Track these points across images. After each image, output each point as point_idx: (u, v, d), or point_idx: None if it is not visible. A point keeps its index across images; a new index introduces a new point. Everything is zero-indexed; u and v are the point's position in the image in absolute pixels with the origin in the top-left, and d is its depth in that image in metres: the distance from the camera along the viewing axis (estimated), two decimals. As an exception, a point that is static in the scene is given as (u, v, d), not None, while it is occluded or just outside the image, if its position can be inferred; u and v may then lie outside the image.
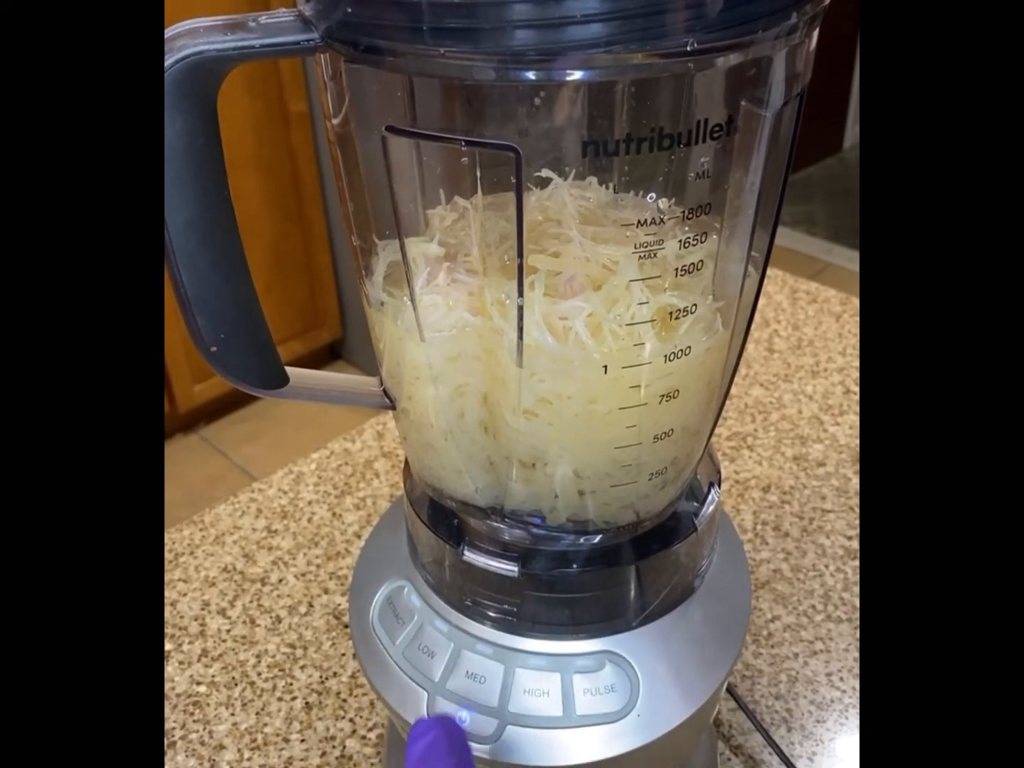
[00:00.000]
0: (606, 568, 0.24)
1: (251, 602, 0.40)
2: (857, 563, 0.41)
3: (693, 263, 0.19)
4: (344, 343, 1.46)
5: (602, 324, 0.20)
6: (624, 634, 0.24)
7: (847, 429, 0.48)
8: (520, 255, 0.18)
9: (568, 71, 0.16)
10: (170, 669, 0.37)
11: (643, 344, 0.20)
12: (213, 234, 0.20)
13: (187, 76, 0.18)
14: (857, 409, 0.50)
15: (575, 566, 0.24)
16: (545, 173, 0.19)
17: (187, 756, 0.34)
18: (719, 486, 0.26)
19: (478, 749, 0.23)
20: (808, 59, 0.19)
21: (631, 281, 0.19)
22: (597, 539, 0.24)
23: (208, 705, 0.36)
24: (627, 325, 0.19)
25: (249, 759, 0.34)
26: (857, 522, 0.43)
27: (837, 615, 0.38)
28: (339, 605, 0.40)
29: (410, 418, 0.24)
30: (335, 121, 0.20)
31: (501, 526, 0.24)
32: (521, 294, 0.19)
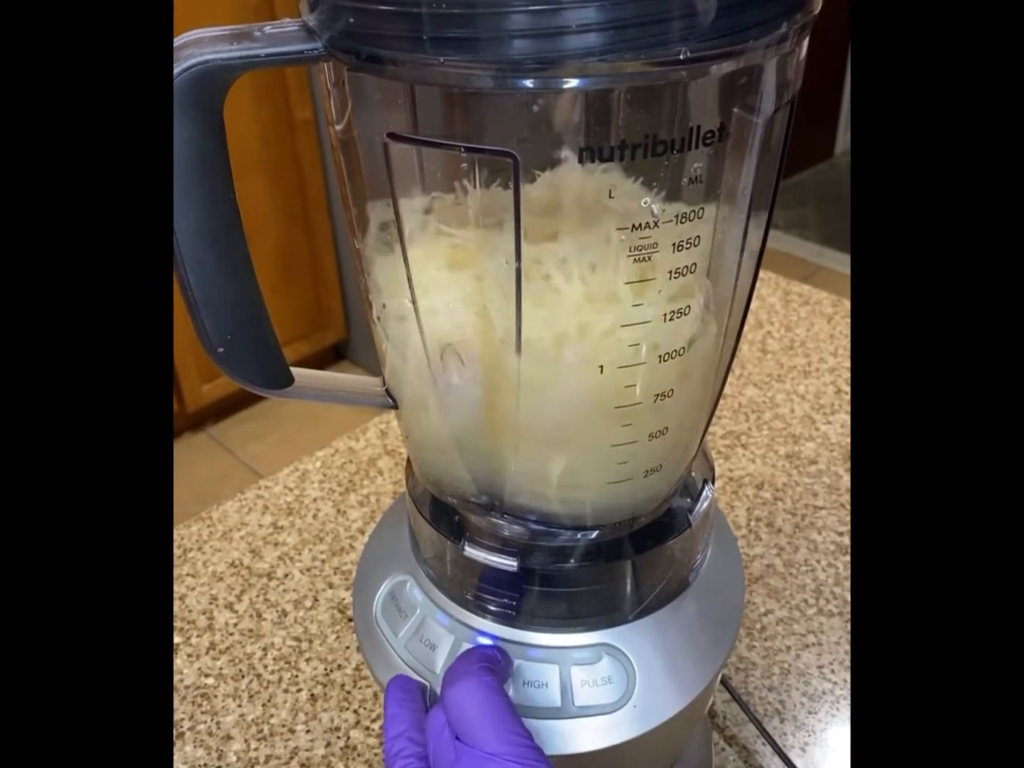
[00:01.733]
0: (603, 563, 0.24)
1: (258, 596, 0.41)
2: (848, 558, 0.41)
3: (687, 266, 0.20)
4: (348, 344, 1.46)
5: (598, 324, 0.20)
6: (621, 627, 0.25)
7: (838, 428, 0.49)
8: (518, 258, 0.19)
9: (565, 79, 0.17)
10: (179, 662, 0.38)
11: (638, 344, 0.20)
12: (220, 238, 0.21)
13: (194, 84, 0.18)
14: (848, 408, 0.50)
15: (572, 561, 0.24)
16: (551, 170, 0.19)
17: (195, 747, 0.35)
18: (713, 483, 0.26)
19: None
20: (799, 67, 0.19)
21: (626, 283, 0.20)
22: (594, 535, 0.24)
23: (216, 697, 0.36)
24: (623, 326, 0.20)
25: (256, 749, 0.35)
26: (848, 518, 0.43)
27: (829, 609, 0.39)
28: (343, 599, 0.40)
29: (412, 417, 0.24)
30: (338, 128, 0.20)
31: (500, 522, 0.25)
32: (519, 297, 0.19)
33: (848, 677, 0.36)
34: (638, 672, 0.24)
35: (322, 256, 1.35)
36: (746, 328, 0.24)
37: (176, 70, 0.18)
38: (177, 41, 0.18)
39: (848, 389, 0.51)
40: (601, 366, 0.20)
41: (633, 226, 0.19)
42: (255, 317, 0.22)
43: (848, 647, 0.37)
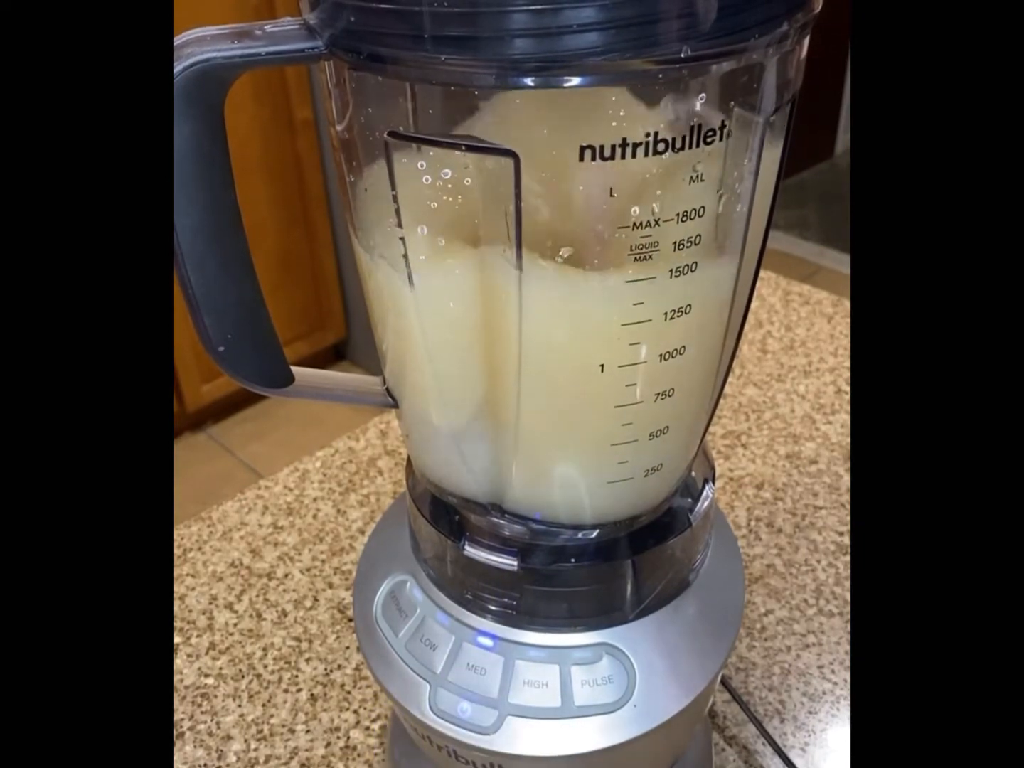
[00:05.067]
0: (603, 562, 0.24)
1: (258, 596, 0.41)
2: (848, 558, 0.41)
3: (687, 264, 0.20)
4: (348, 344, 1.47)
5: (599, 323, 0.20)
6: (621, 627, 0.25)
7: (839, 428, 0.49)
8: (519, 257, 0.19)
9: (565, 78, 0.17)
10: (179, 662, 0.38)
11: (639, 343, 0.20)
12: (221, 237, 0.21)
13: (195, 83, 0.18)
14: (848, 408, 0.50)
15: (573, 560, 0.24)
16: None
17: (195, 747, 0.35)
18: (713, 483, 0.27)
19: (478, 739, 0.24)
20: (799, 66, 0.19)
21: (627, 282, 0.20)
22: (594, 534, 0.24)
23: (216, 697, 0.36)
24: (623, 325, 0.20)
25: (256, 749, 0.35)
26: (848, 518, 0.43)
27: (829, 609, 0.39)
28: (343, 599, 0.40)
29: (412, 416, 0.24)
30: (339, 127, 0.20)
31: (501, 522, 0.25)
32: (519, 295, 0.19)
33: (848, 677, 0.36)
34: (638, 672, 0.24)
35: (322, 256, 1.35)
36: (746, 328, 0.25)
37: (176, 68, 0.18)
38: (178, 40, 0.18)
39: (848, 389, 0.51)
40: (602, 365, 0.20)
41: (634, 224, 0.19)
42: (256, 316, 0.22)
43: (848, 647, 0.37)
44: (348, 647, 0.38)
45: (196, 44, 0.18)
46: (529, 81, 0.17)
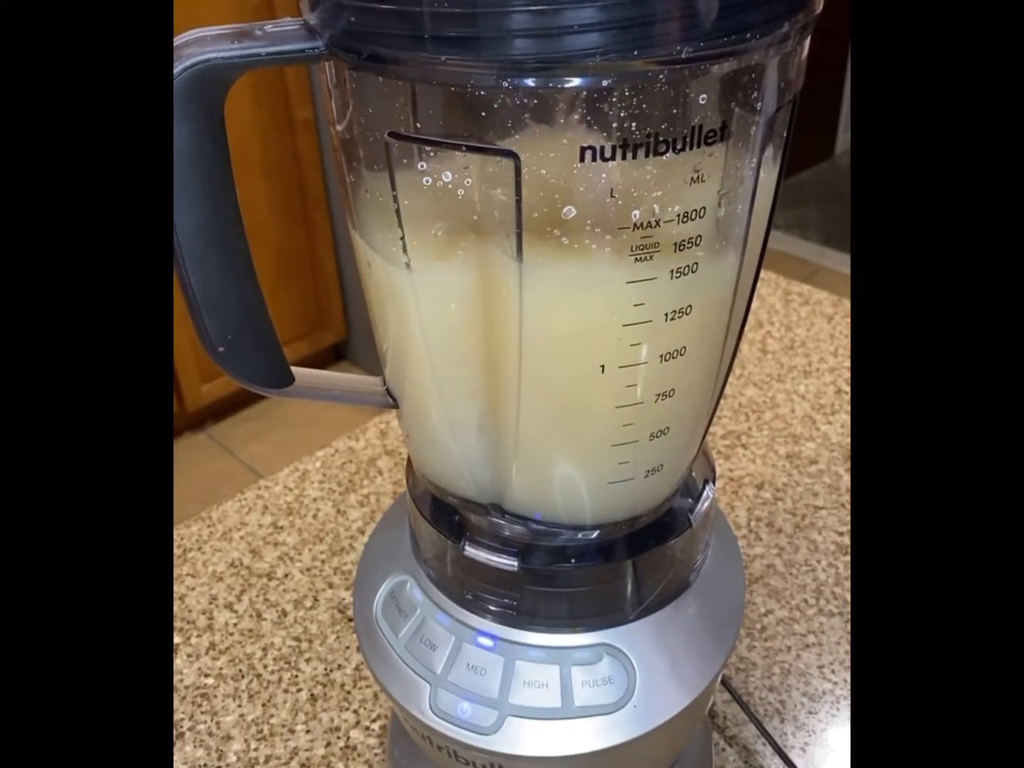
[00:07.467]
0: (603, 563, 0.25)
1: (258, 596, 0.41)
2: (848, 558, 0.41)
3: (688, 265, 0.20)
4: (348, 344, 1.47)
5: (600, 324, 0.20)
6: (621, 627, 0.25)
7: (839, 428, 0.49)
8: (520, 258, 0.19)
9: (566, 78, 0.17)
10: (179, 662, 0.38)
11: (640, 344, 0.20)
12: (221, 238, 0.21)
13: (195, 83, 0.18)
14: (848, 408, 0.50)
15: (573, 561, 0.24)
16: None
17: (195, 747, 0.35)
18: (714, 483, 0.27)
19: (478, 740, 0.24)
20: (800, 67, 0.19)
21: (627, 283, 0.20)
22: (594, 535, 0.24)
23: (216, 697, 0.36)
24: (624, 326, 0.20)
25: (256, 749, 0.35)
26: (848, 518, 0.43)
27: (829, 609, 0.39)
28: (343, 599, 0.40)
29: (412, 417, 0.24)
30: (339, 127, 0.20)
31: (501, 522, 0.25)
32: (520, 296, 0.19)
33: (848, 677, 0.36)
34: (639, 672, 0.24)
35: (322, 256, 1.35)
36: (746, 328, 0.25)
37: (176, 69, 0.18)
38: (178, 40, 0.18)
39: (848, 389, 0.52)
40: (602, 365, 0.20)
41: (635, 225, 0.19)
42: (256, 316, 0.22)
43: (848, 647, 0.37)
44: (348, 647, 0.38)
45: (196, 44, 0.18)
46: (529, 81, 0.17)
